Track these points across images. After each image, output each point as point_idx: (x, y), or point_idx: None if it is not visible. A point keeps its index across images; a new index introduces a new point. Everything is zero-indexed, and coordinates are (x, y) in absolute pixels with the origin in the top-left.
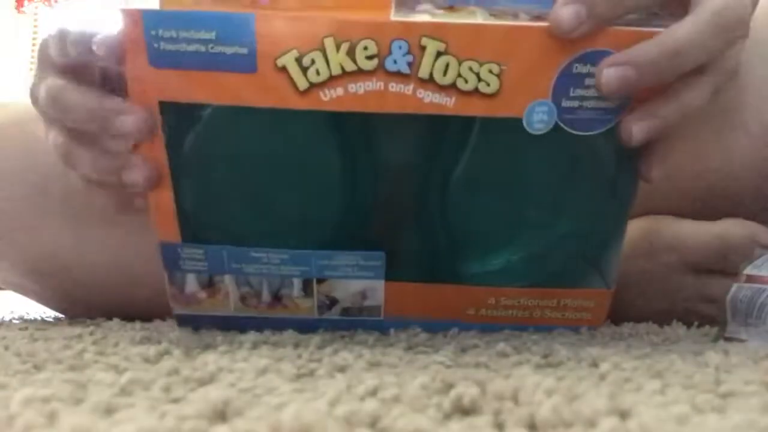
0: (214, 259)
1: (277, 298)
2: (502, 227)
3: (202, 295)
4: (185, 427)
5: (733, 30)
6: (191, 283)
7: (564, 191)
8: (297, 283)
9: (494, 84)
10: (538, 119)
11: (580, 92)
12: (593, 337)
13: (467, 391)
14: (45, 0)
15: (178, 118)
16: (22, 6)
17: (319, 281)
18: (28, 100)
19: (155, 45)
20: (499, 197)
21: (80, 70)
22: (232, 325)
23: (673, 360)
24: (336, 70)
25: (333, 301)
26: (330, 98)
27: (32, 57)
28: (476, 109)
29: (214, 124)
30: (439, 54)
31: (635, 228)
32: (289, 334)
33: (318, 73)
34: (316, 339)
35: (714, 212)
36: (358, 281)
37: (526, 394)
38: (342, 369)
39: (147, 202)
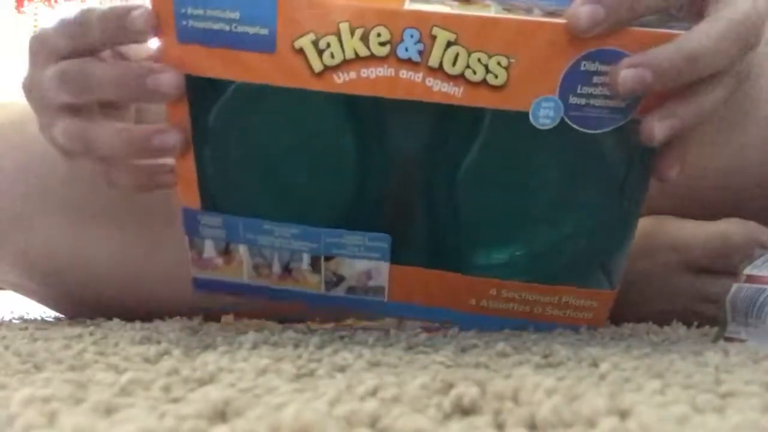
0: (231, 228)
1: (287, 270)
2: (507, 221)
3: (219, 261)
4: (185, 427)
5: (749, 38)
6: (209, 249)
7: (571, 189)
8: (306, 257)
9: (502, 76)
10: (544, 114)
11: (587, 90)
12: (593, 337)
13: (467, 391)
14: (45, 0)
15: (201, 91)
16: (22, 6)
17: (327, 258)
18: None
19: (183, 22)
20: (506, 191)
21: (89, 53)
22: (246, 292)
23: (673, 360)
24: (350, 55)
25: (339, 279)
26: (343, 81)
27: None
28: (483, 100)
29: (236, 100)
30: (449, 44)
31: None
32: (289, 334)
33: (333, 56)
34: (315, 339)
35: (714, 212)
36: (363, 261)
37: (526, 394)
38: (342, 369)
39: (174, 175)
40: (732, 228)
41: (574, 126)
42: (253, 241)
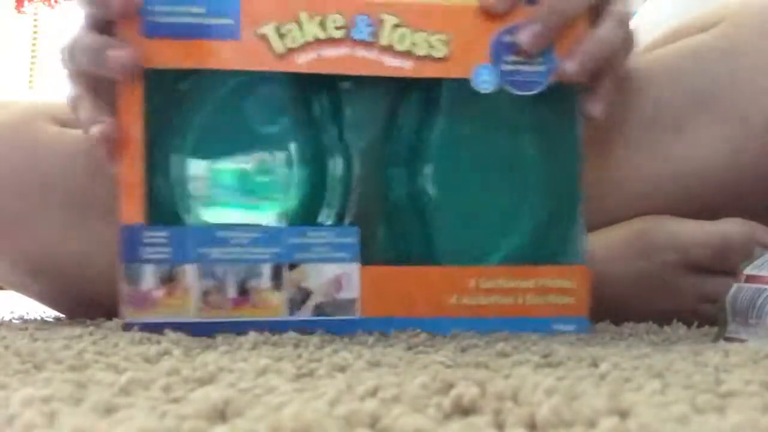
0: (178, 243)
1: (243, 292)
2: (470, 203)
3: (160, 293)
4: (185, 427)
5: None
6: (149, 278)
7: (524, 159)
8: (266, 271)
9: (443, 50)
10: (483, 80)
11: (513, 58)
12: (593, 337)
13: (467, 391)
14: (45, 0)
15: (159, 90)
16: (22, 6)
17: (291, 268)
18: (28, 100)
19: (150, 18)
20: (466, 173)
21: (98, 27)
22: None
23: (673, 360)
24: (310, 38)
25: (305, 294)
26: (304, 61)
27: (32, 57)
28: (430, 71)
29: (194, 99)
30: (395, 26)
31: (635, 228)
32: (290, 335)
33: (294, 40)
34: (315, 339)
35: (714, 211)
36: (332, 266)
37: (526, 394)
38: (342, 369)
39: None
40: (732, 228)
41: (510, 89)
42: (204, 258)
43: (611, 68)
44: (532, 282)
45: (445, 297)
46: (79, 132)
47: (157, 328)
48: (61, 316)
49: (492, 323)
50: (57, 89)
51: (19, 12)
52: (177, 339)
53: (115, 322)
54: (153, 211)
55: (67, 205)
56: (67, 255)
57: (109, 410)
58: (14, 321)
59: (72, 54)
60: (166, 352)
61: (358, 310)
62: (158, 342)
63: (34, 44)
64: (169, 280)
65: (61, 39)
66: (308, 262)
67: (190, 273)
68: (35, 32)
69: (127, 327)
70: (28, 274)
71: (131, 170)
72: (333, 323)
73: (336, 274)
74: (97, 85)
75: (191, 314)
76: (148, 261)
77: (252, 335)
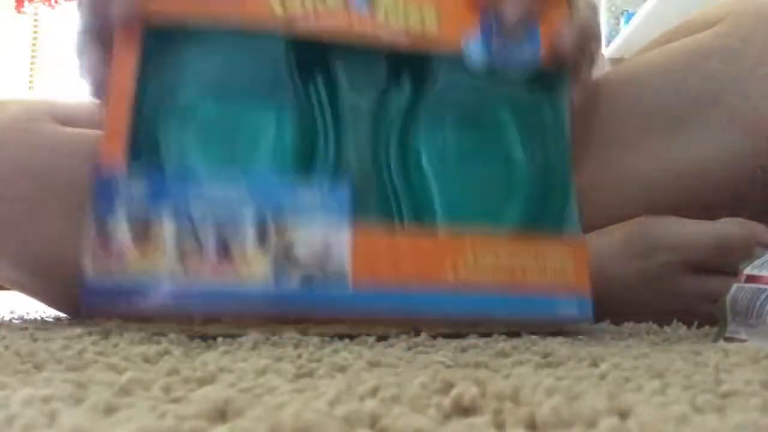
0: (158, 193)
1: (225, 252)
2: (464, 165)
3: (131, 248)
4: (185, 426)
5: None
6: (121, 230)
7: (515, 130)
8: (251, 229)
9: (435, 26)
10: (475, 54)
11: (498, 39)
12: (593, 337)
13: (467, 391)
14: (45, 0)
15: (157, 47)
16: (22, 6)
17: (278, 226)
18: (28, 100)
19: None
20: (458, 134)
21: None
22: (160, 300)
23: (673, 360)
24: (309, 8)
25: (292, 261)
26: (304, 25)
27: (32, 57)
28: (425, 45)
29: (185, 40)
30: (389, 3)
31: (635, 227)
32: (290, 335)
33: (294, 7)
34: (315, 339)
35: (714, 211)
36: (320, 227)
37: (526, 394)
38: (342, 369)
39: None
40: (732, 228)
41: (499, 66)
42: (182, 210)
43: (584, 53)
44: (532, 253)
45: (441, 269)
46: (79, 131)
47: (119, 301)
48: (61, 316)
49: (492, 301)
50: (57, 89)
51: (19, 12)
52: (177, 339)
53: (115, 322)
54: (135, 150)
55: (68, 205)
56: (67, 255)
57: (109, 410)
58: (14, 321)
59: (81, 4)
60: (166, 352)
61: (349, 279)
62: (158, 342)
63: (34, 44)
64: (143, 234)
65: (61, 39)
66: (297, 217)
67: (167, 226)
68: (35, 32)
69: (86, 293)
70: (28, 274)
71: (117, 117)
72: (324, 299)
73: (325, 237)
74: (102, 36)
75: (163, 278)
76: (122, 212)
77: (252, 335)
